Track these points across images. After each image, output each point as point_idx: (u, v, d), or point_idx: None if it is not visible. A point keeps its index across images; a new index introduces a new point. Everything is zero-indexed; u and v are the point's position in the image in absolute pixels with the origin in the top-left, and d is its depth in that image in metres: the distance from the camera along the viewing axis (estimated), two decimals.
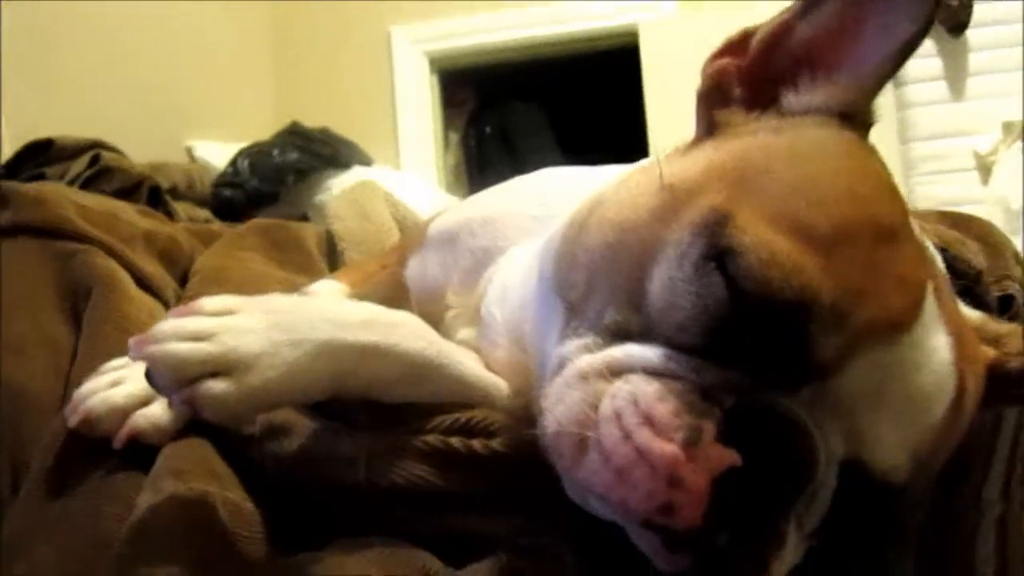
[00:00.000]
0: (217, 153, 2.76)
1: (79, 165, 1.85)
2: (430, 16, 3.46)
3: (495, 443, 0.56)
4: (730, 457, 0.43)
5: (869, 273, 0.46)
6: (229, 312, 0.56)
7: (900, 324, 0.46)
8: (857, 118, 0.54)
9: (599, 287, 0.52)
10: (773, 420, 0.45)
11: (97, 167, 1.83)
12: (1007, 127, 2.71)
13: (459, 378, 0.60)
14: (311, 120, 2.79)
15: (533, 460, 0.51)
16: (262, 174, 2.51)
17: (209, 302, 0.57)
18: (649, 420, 0.44)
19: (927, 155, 2.81)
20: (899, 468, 0.48)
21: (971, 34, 2.80)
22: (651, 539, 0.46)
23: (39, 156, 1.89)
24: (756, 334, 0.45)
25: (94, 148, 1.90)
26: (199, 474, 0.60)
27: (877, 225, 0.48)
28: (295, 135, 2.71)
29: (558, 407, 0.48)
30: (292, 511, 0.61)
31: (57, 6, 2.29)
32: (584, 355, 0.49)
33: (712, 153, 0.53)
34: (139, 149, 2.15)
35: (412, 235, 0.87)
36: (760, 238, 0.45)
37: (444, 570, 0.54)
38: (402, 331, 0.59)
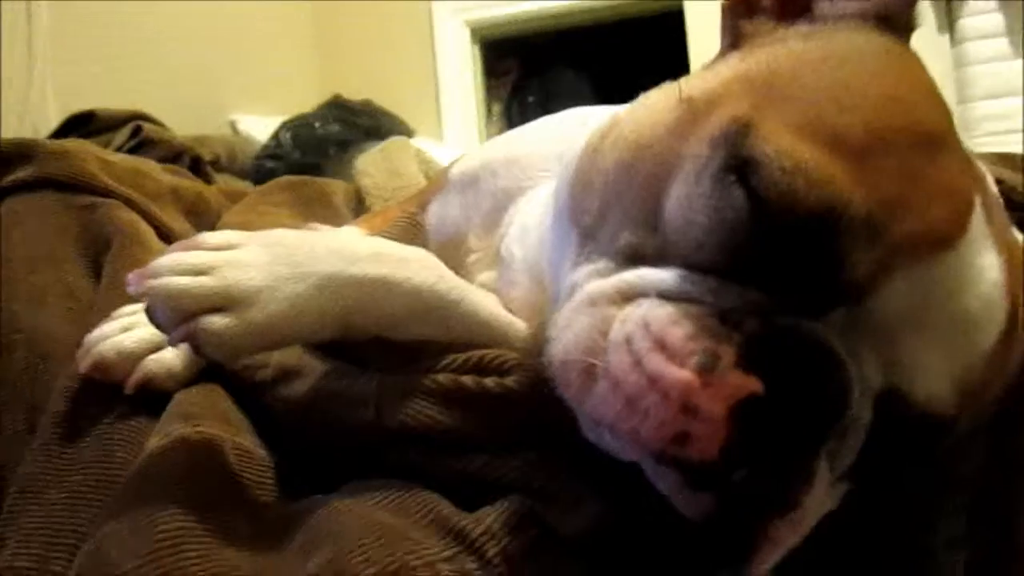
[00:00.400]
0: (260, 127, 2.77)
1: (120, 136, 1.86)
2: None
3: (509, 381, 0.53)
4: (750, 384, 0.39)
5: (908, 182, 0.42)
6: (231, 246, 0.54)
7: (943, 239, 0.42)
8: (897, 22, 0.49)
9: (613, 209, 0.48)
10: (800, 346, 0.41)
11: (139, 138, 1.84)
12: None
13: (473, 316, 0.57)
14: (353, 93, 2.79)
15: (548, 399, 0.47)
16: (304, 146, 2.51)
17: (211, 236, 0.55)
18: (661, 345, 0.41)
19: (986, 115, 2.68)
20: (943, 400, 0.44)
21: None
22: (670, 476, 0.43)
23: (81, 128, 1.91)
24: (781, 251, 0.41)
25: (135, 120, 1.91)
26: (209, 418, 0.59)
27: (917, 132, 0.43)
28: (337, 107, 2.71)
29: (566, 334, 0.44)
30: (304, 459, 0.59)
31: None
32: (595, 280, 0.46)
33: (737, 63, 0.49)
34: (182, 123, 2.16)
35: (433, 180, 0.84)
36: (784, 147, 0.41)
37: (456, 513, 0.51)
38: (413, 265, 0.56)
